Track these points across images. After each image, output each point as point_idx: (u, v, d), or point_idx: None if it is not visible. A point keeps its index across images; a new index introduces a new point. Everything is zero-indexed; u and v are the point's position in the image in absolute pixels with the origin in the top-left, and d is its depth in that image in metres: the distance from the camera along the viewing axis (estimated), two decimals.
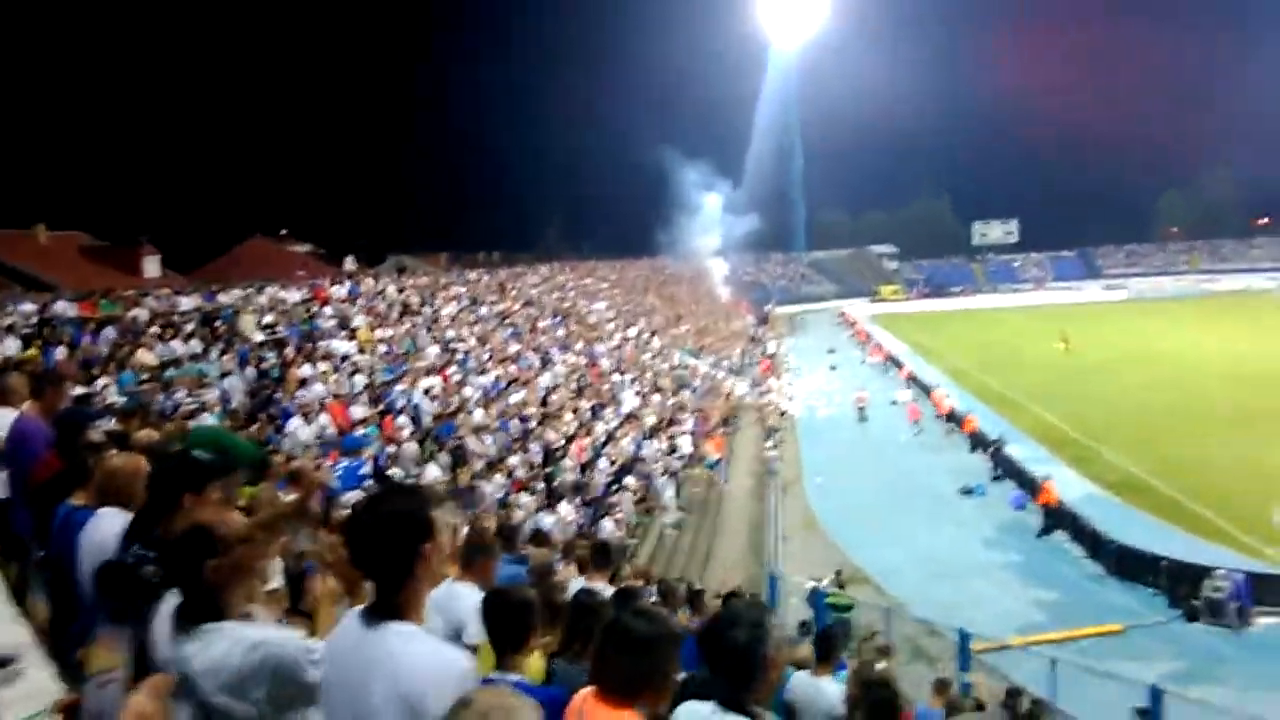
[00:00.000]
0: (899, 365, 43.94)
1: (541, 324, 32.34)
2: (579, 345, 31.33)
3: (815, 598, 14.94)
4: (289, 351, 16.75)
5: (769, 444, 29.08)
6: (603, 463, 19.94)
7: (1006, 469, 24.62)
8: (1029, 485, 22.14)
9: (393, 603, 2.31)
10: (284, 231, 57.99)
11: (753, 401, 36.70)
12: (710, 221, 79.35)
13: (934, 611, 15.15)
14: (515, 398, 20.95)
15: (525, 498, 15.43)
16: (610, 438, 22.23)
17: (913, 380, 39.84)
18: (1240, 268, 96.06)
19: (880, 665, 7.83)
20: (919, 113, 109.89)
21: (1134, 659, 13.70)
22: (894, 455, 28.73)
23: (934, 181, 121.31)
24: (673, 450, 24.29)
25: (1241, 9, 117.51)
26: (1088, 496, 21.81)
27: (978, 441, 27.68)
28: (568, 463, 18.65)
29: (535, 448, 18.34)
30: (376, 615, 2.32)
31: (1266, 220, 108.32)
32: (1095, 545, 18.16)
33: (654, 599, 7.80)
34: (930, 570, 18.39)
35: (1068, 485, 22.14)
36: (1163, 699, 9.48)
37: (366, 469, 12.10)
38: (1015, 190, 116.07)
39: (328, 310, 21.53)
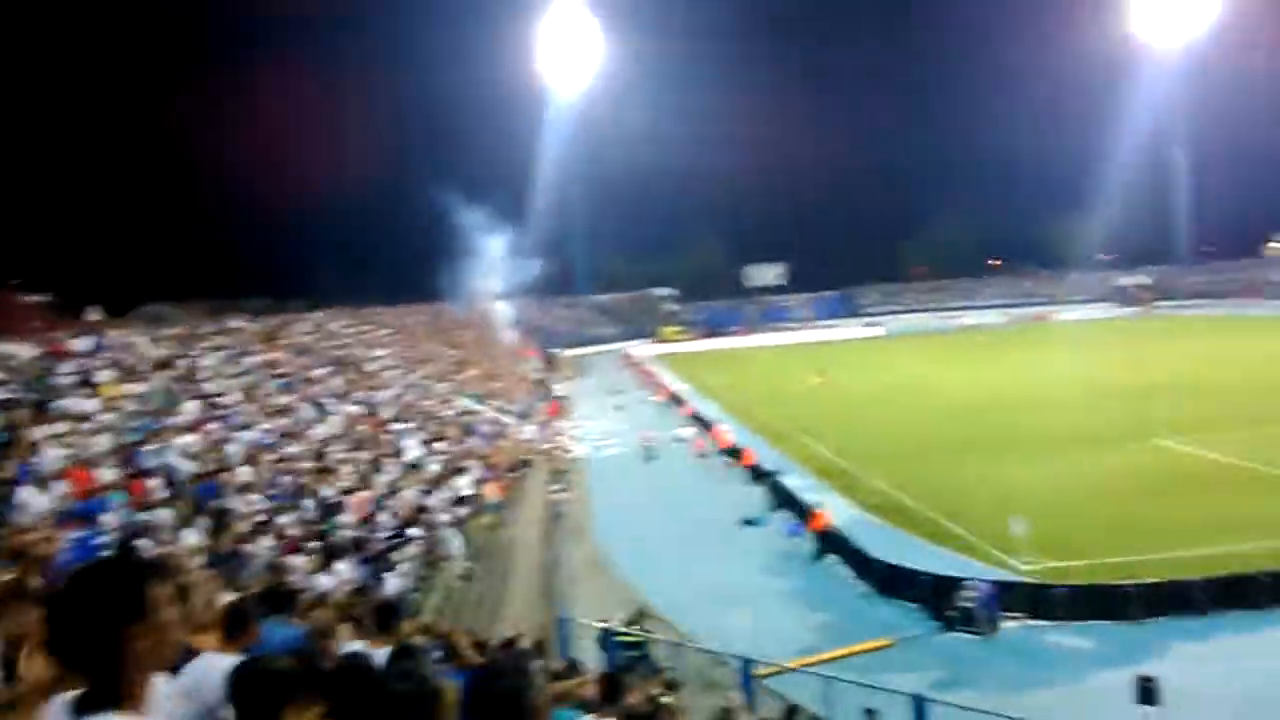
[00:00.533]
0: (681, 403, 45.30)
1: (316, 374, 30.80)
2: (358, 395, 30.07)
3: (606, 639, 14.95)
4: (21, 413, 14.95)
5: (557, 487, 29.03)
6: (384, 516, 19.11)
7: (783, 499, 25.85)
8: (803, 513, 23.33)
9: (108, 691, 1.99)
10: (15, 282, 52.08)
11: (540, 445, 36.59)
12: (494, 265, 79.18)
13: (721, 641, 15.56)
14: (287, 452, 19.73)
15: (300, 558, 14.48)
16: (392, 489, 21.39)
17: (695, 418, 41.20)
18: (977, 304, 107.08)
19: (668, 699, 7.89)
20: (695, 160, 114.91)
21: (903, 671, 14.65)
22: (680, 491, 29.48)
23: (711, 227, 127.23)
24: (460, 499, 23.70)
25: (979, 72, 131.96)
26: (855, 520, 23.25)
27: (757, 474, 28.94)
28: (346, 518, 17.72)
29: (309, 504, 17.31)
30: (89, 706, 1.99)
31: (999, 261, 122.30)
32: (863, 566, 19.34)
33: (437, 655, 7.48)
34: (717, 601, 18.91)
35: (837, 511, 23.53)
36: (925, 707, 10.15)
37: (106, 539, 10.94)
38: (783, 235, 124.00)
39: (67, 366, 19.46)
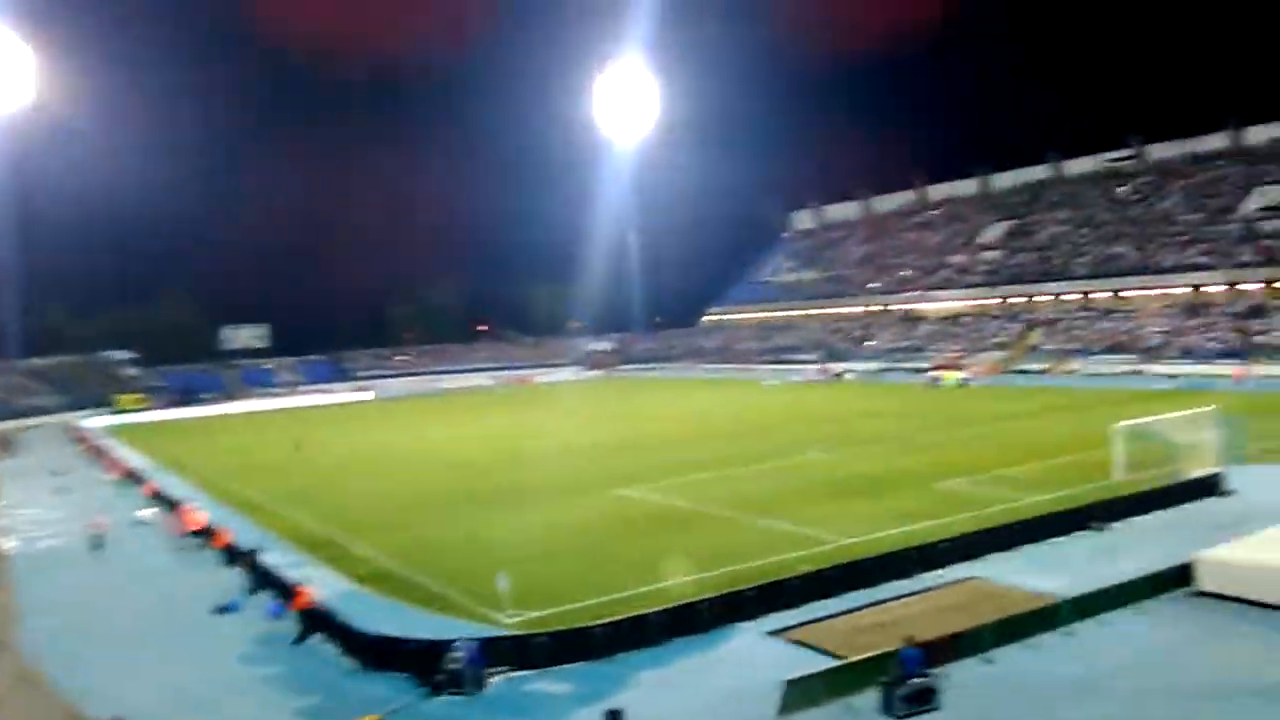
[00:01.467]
0: (141, 481, 39.94)
1: None
2: None
3: None
4: None
5: None
6: None
7: (264, 579, 23.82)
8: (286, 591, 21.69)
9: None
10: None
11: None
12: None
13: None
14: None
15: None
16: None
17: (158, 496, 36.56)
18: (466, 367, 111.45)
19: None
20: (163, 208, 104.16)
21: None
22: (138, 583, 25.66)
23: (179, 284, 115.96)
24: None
25: (470, 148, 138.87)
26: (343, 593, 22.21)
27: (233, 554, 26.34)
28: None
29: None
30: None
31: (485, 326, 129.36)
32: (349, 641, 18.46)
33: None
34: (183, 703, 16.61)
35: (324, 585, 22.30)
36: None
37: None
38: (265, 295, 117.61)
39: None
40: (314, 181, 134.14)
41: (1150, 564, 19.45)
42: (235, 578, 24.81)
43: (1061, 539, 23.13)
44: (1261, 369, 58.83)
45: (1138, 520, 24.50)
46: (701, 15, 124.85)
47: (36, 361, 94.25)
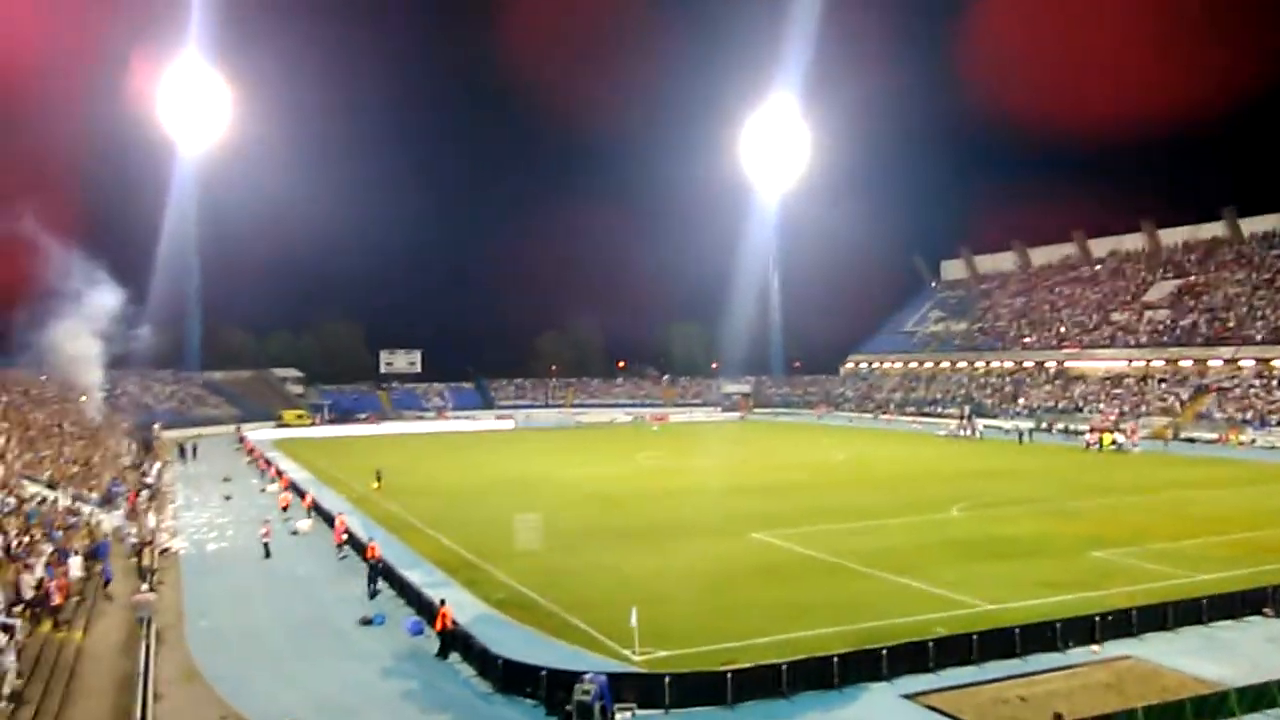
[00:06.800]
0: (302, 494, 42.38)
1: None
2: None
3: None
4: None
5: (144, 586, 25.51)
6: None
7: (407, 595, 24.84)
8: (426, 610, 22.54)
9: None
10: None
11: (127, 537, 32.15)
12: (93, 332, 67.80)
13: None
14: None
15: None
16: None
17: (315, 508, 38.70)
18: (605, 402, 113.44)
19: None
20: (330, 239, 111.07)
21: None
22: (294, 589, 27.22)
23: (344, 309, 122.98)
24: (17, 603, 19.94)
25: (616, 193, 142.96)
26: (480, 616, 22.90)
27: (379, 569, 27.55)
28: None
29: None
30: None
31: (623, 364, 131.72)
32: (484, 663, 19.00)
33: None
34: (326, 710, 17.48)
35: (462, 607, 23.03)
36: None
37: None
38: (421, 323, 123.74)
39: None
40: (476, 221, 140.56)
41: None
42: (381, 591, 26.01)
43: (1230, 622, 21.49)
44: None
45: None
46: (858, 62, 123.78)
47: (213, 375, 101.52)
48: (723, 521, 35.47)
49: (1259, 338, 76.10)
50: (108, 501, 38.58)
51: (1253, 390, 71.91)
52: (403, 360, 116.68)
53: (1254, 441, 63.82)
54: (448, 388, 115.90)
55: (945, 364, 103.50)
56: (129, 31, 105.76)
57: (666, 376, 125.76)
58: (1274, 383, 71.63)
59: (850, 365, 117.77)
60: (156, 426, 75.43)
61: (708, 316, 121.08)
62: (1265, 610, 21.97)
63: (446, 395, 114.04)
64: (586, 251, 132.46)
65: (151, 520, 34.19)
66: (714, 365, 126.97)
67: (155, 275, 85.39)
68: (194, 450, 64.32)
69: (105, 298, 63.90)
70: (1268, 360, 74.11)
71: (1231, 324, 79.42)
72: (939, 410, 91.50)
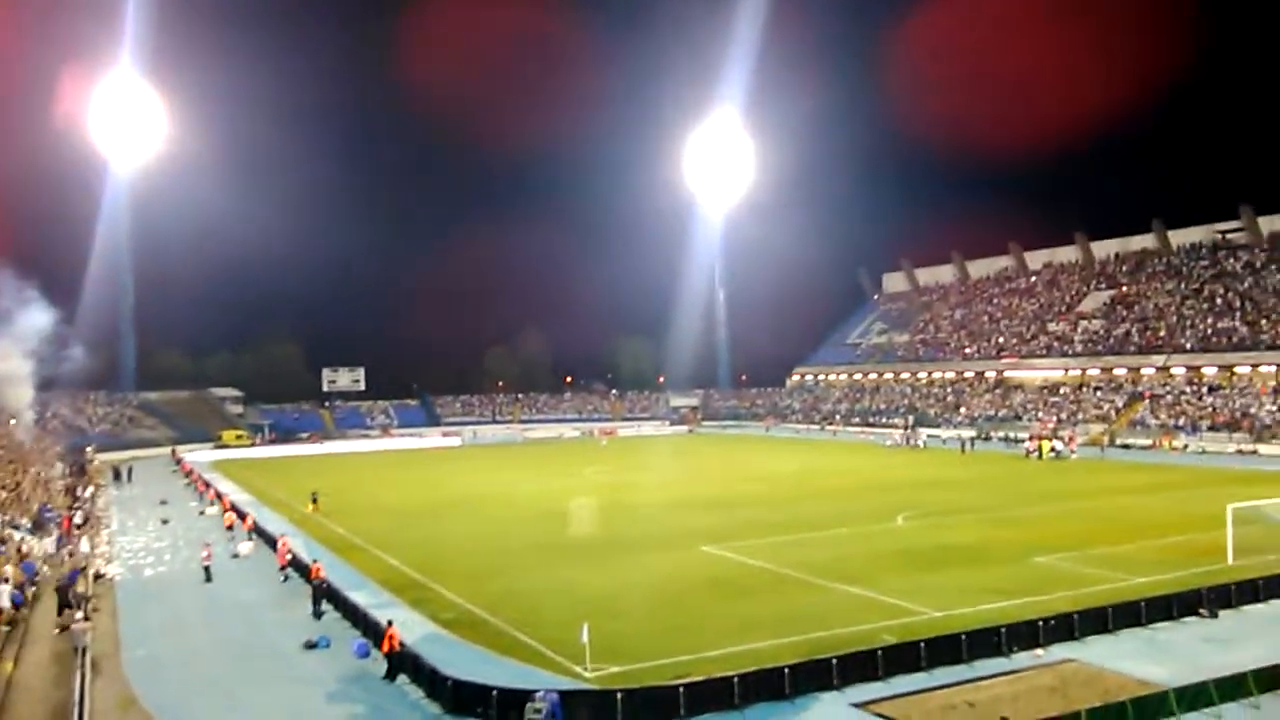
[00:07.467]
0: (243, 516, 41.38)
1: None
2: None
3: None
4: None
5: (77, 614, 24.63)
6: None
7: (353, 617, 24.36)
8: (373, 631, 22.12)
9: None
10: None
11: (60, 565, 31.07)
12: (24, 352, 65.20)
13: None
14: None
15: None
16: None
17: (257, 530, 37.82)
18: (553, 418, 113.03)
19: None
20: (270, 257, 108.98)
21: None
22: (235, 615, 26.49)
23: (285, 327, 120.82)
24: None
25: (560, 209, 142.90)
26: (428, 636, 22.56)
27: (323, 591, 26.98)
28: None
29: None
30: None
31: (571, 379, 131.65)
32: (433, 684, 18.69)
33: None
34: None
35: (410, 627, 22.67)
36: None
37: None
38: (362, 340, 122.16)
39: None
40: (417, 237, 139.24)
41: (1266, 656, 18.36)
42: (326, 615, 25.46)
43: (1168, 623, 22.05)
44: None
45: (1252, 609, 23.21)
46: (798, 80, 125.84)
47: (148, 396, 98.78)
48: (672, 535, 35.50)
49: (1189, 346, 78.61)
50: (39, 527, 37.27)
51: (1184, 397, 74.22)
52: (346, 378, 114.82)
53: (1186, 447, 65.83)
54: (392, 405, 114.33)
55: (889, 375, 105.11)
56: (60, 46, 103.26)
57: (614, 391, 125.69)
58: (1204, 390, 74.01)
59: (796, 378, 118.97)
60: (90, 449, 73.25)
61: (654, 331, 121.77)
62: (1201, 610, 22.58)
63: (391, 413, 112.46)
64: (533, 268, 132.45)
65: (85, 545, 33.09)
66: (661, 379, 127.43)
67: (88, 294, 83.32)
68: (129, 473, 62.54)
69: (36, 317, 61.84)
70: (1198, 368, 76.59)
71: (1163, 333, 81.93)
72: (884, 420, 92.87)
